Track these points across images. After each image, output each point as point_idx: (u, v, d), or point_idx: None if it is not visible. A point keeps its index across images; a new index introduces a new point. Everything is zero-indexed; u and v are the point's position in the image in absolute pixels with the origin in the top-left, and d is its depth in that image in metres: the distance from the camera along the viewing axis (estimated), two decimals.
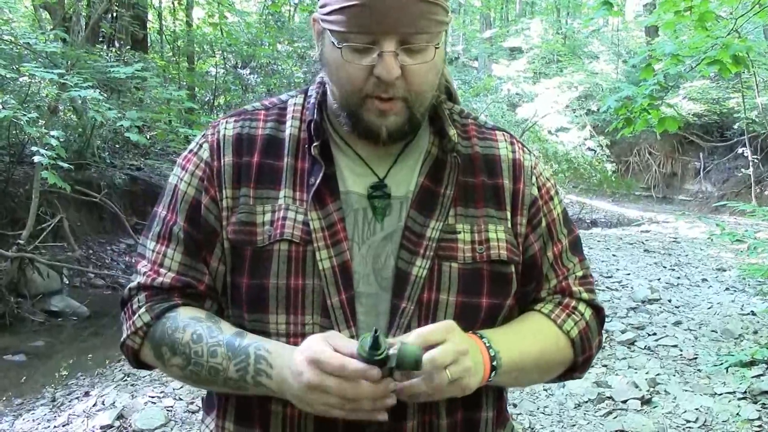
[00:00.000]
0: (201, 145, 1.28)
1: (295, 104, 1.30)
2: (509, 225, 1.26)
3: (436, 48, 1.16)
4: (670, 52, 5.52)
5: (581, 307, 1.32)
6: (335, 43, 1.14)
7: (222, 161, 1.24)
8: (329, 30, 1.15)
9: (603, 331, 1.39)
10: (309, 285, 1.17)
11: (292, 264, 1.18)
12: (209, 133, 1.29)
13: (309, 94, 1.30)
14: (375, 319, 1.18)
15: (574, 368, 1.33)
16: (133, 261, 1.31)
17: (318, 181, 1.19)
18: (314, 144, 1.20)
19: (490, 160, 1.29)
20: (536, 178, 1.32)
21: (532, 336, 1.25)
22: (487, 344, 1.16)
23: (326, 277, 1.17)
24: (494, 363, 1.15)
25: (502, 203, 1.27)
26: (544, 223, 1.30)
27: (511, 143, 1.34)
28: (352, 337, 1.15)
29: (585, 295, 1.33)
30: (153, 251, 1.26)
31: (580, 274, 1.35)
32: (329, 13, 1.13)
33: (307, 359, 1.04)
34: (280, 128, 1.27)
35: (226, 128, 1.28)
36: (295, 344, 1.16)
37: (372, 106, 1.16)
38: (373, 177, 1.24)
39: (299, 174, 1.22)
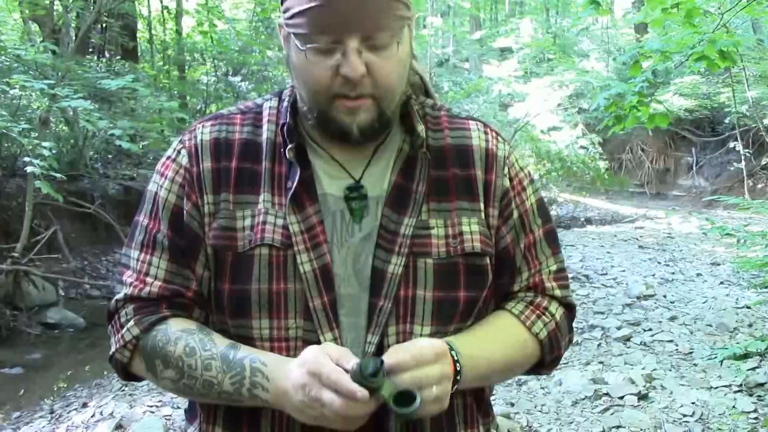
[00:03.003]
0: (179, 151, 1.27)
1: (270, 108, 1.30)
2: (482, 216, 1.26)
3: (399, 43, 1.16)
4: (657, 49, 5.54)
5: (552, 307, 1.32)
6: (299, 45, 1.15)
7: (201, 166, 1.24)
8: (293, 33, 1.15)
9: (574, 328, 1.40)
10: (291, 289, 1.17)
11: (273, 268, 1.18)
12: (186, 138, 1.28)
13: (283, 97, 1.30)
14: (356, 319, 1.19)
15: (542, 365, 1.34)
16: (118, 272, 1.30)
17: (295, 184, 1.19)
18: (289, 147, 1.20)
19: (462, 150, 1.29)
20: (509, 169, 1.31)
21: (499, 342, 1.26)
22: (456, 358, 1.16)
23: (307, 280, 1.17)
24: (458, 377, 1.15)
25: (475, 194, 1.27)
26: (516, 215, 1.30)
27: (485, 132, 1.33)
28: (334, 339, 1.16)
29: (558, 292, 1.34)
30: (138, 260, 1.25)
31: (554, 268, 1.35)
32: (292, 17, 1.14)
33: (308, 372, 1.05)
34: (257, 132, 1.27)
35: (203, 132, 1.27)
36: (279, 349, 1.17)
37: (341, 106, 1.17)
38: (349, 179, 1.24)
39: (277, 178, 1.23)
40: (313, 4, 1.10)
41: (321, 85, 1.15)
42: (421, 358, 1.07)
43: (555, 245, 1.36)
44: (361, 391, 1.02)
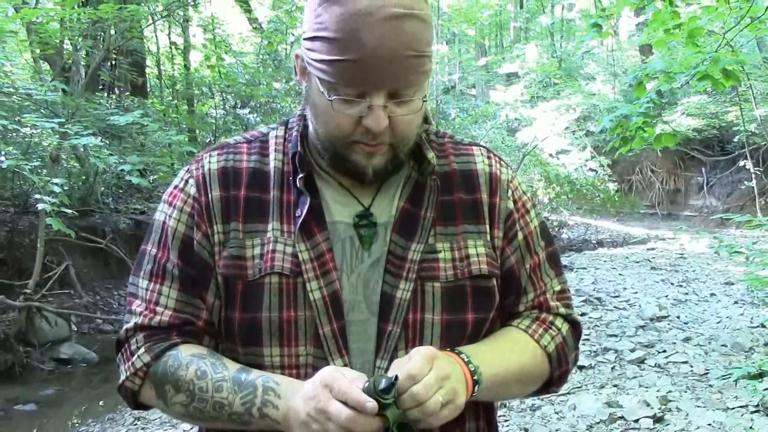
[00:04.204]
0: (186, 181, 1.29)
1: (276, 137, 1.31)
2: (488, 238, 1.28)
3: (424, 101, 1.18)
4: (660, 70, 5.57)
5: (558, 322, 1.34)
6: (325, 93, 1.15)
7: (210, 196, 1.25)
8: (318, 78, 1.16)
9: (579, 345, 1.40)
10: (301, 316, 1.18)
11: (283, 296, 1.19)
12: (194, 168, 1.30)
13: (290, 126, 1.32)
14: (365, 345, 1.20)
15: (551, 382, 1.35)
16: (126, 301, 1.31)
17: (304, 213, 1.20)
18: (299, 176, 1.21)
19: (468, 175, 1.32)
20: (512, 192, 1.34)
21: (511, 350, 1.27)
22: (467, 360, 1.17)
23: (317, 307, 1.18)
24: (475, 377, 1.16)
25: (481, 217, 1.29)
26: (520, 236, 1.32)
27: (488, 157, 1.36)
28: (344, 365, 1.16)
29: (562, 310, 1.35)
30: (147, 290, 1.25)
31: (557, 288, 1.36)
32: (318, 61, 1.14)
33: (320, 383, 1.06)
34: (264, 161, 1.28)
35: (210, 162, 1.29)
36: (290, 376, 1.18)
37: (359, 149, 1.19)
38: (358, 206, 1.26)
39: (285, 206, 1.24)
40: (343, 57, 1.10)
41: (342, 132, 1.17)
42: (414, 377, 1.05)
43: (557, 267, 1.38)
44: (371, 402, 1.01)
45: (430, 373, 1.06)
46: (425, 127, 1.34)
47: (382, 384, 1.02)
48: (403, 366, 1.06)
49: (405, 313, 1.20)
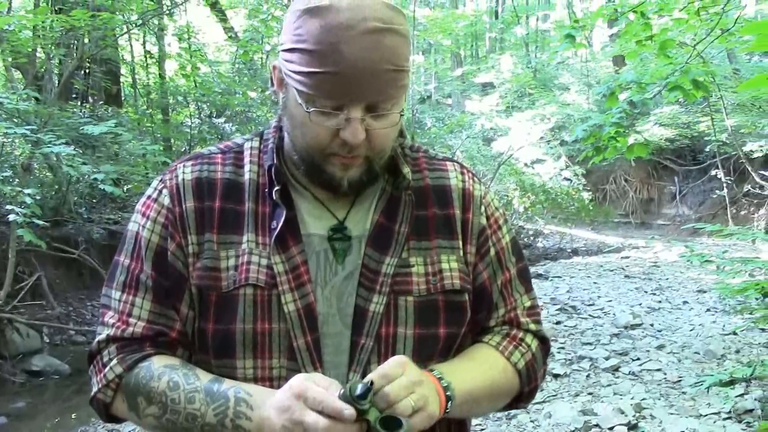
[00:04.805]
0: (160, 191, 1.28)
1: (251, 148, 1.31)
2: (461, 254, 1.29)
3: (401, 115, 1.19)
4: (632, 81, 5.63)
5: (528, 338, 1.35)
6: (303, 105, 1.15)
7: (184, 206, 1.24)
8: (296, 89, 1.16)
9: (548, 361, 1.42)
10: (275, 328, 1.18)
11: (257, 308, 1.19)
12: (167, 178, 1.29)
13: (265, 138, 1.31)
14: (338, 358, 1.20)
15: (520, 398, 1.36)
16: (99, 313, 1.29)
17: (280, 225, 1.20)
18: (275, 188, 1.21)
19: (441, 190, 1.32)
20: (485, 208, 1.34)
21: (481, 367, 1.27)
22: (439, 376, 1.17)
23: (292, 319, 1.18)
24: (448, 393, 1.16)
25: (454, 232, 1.29)
26: (492, 252, 1.33)
27: (462, 173, 1.36)
28: None
29: (532, 326, 1.36)
30: (120, 301, 1.25)
31: (528, 304, 1.38)
32: (297, 73, 1.14)
33: (293, 394, 1.05)
34: (238, 172, 1.28)
35: (184, 172, 1.28)
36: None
37: (335, 161, 1.19)
38: (333, 219, 1.26)
39: (261, 218, 1.24)
40: (322, 70, 1.11)
41: (319, 143, 1.17)
42: (387, 376, 1.06)
43: (528, 283, 1.40)
44: (349, 410, 1.01)
45: (402, 376, 1.07)
46: (400, 141, 1.35)
47: (359, 390, 1.02)
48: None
49: (378, 327, 1.20)
